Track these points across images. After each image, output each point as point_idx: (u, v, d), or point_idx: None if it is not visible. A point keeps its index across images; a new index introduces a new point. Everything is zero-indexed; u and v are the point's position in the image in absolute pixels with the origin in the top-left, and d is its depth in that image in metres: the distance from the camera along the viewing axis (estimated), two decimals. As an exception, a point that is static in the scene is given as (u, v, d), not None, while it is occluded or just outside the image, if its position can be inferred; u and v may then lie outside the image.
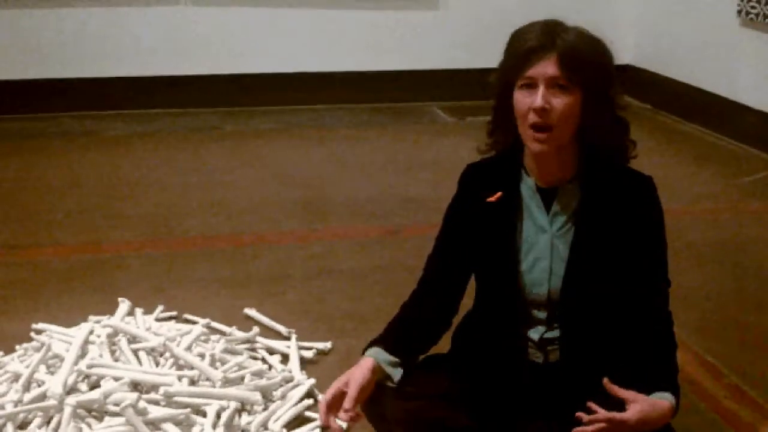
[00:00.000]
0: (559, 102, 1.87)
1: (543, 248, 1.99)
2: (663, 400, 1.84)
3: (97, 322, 2.79)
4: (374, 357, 1.98)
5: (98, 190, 4.39)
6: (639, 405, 1.81)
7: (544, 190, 1.99)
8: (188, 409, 2.32)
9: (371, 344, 2.03)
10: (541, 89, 1.86)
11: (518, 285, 2.00)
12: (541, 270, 1.99)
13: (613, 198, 1.96)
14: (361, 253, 3.64)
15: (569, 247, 1.97)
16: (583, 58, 1.87)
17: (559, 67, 1.86)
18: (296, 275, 3.42)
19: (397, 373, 1.98)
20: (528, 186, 2.00)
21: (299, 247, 3.70)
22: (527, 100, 1.88)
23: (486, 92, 2.01)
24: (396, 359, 1.99)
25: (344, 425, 1.98)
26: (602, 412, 1.79)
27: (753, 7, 5.10)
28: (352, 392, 1.91)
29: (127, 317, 2.87)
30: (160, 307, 3.02)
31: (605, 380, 1.82)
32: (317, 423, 2.40)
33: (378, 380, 1.97)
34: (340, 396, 1.93)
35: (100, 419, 2.30)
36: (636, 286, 1.97)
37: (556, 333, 2.01)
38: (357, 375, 1.94)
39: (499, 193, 2.01)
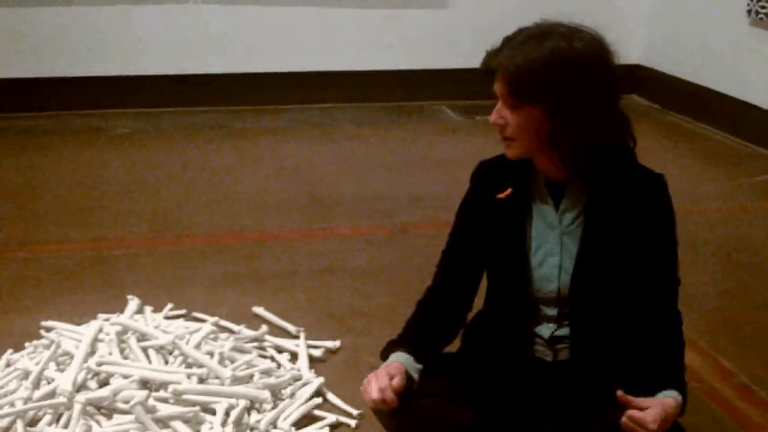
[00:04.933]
0: (512, 117, 1.89)
1: (553, 245, 1.99)
2: (668, 398, 1.84)
3: (107, 319, 2.79)
4: (404, 364, 1.98)
5: (106, 188, 4.40)
6: (654, 409, 1.80)
7: (554, 186, 1.99)
8: (197, 407, 2.32)
9: (394, 346, 2.04)
10: (498, 104, 1.91)
11: (528, 282, 2.00)
12: (550, 267, 1.99)
13: (624, 194, 1.96)
14: (369, 251, 3.64)
15: (579, 244, 1.97)
16: (528, 76, 1.83)
17: (505, 85, 1.87)
18: (304, 273, 3.42)
19: (417, 380, 2.00)
20: (537, 182, 2.00)
21: (307, 245, 3.70)
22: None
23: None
24: (420, 366, 2.01)
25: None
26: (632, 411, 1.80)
27: (762, 7, 5.09)
28: (399, 379, 1.93)
29: (136, 315, 2.87)
30: (169, 305, 3.02)
31: (619, 393, 1.80)
32: (326, 421, 2.41)
33: None
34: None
35: (109, 417, 2.31)
36: (646, 283, 1.97)
37: (565, 331, 2.01)
38: (399, 371, 1.96)
39: (509, 190, 2.01)
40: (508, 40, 1.89)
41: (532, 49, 1.84)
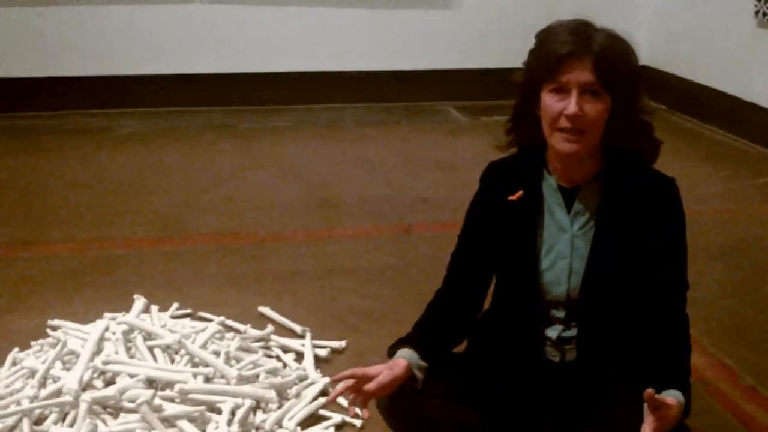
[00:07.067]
0: (591, 108, 1.85)
1: (563, 248, 1.98)
2: (670, 398, 1.83)
3: (113, 318, 2.80)
4: (409, 360, 1.97)
5: (112, 187, 4.41)
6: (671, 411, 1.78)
7: (566, 189, 1.98)
8: (203, 407, 2.32)
9: (402, 344, 2.03)
10: (574, 95, 1.85)
11: (538, 284, 2.00)
12: (561, 269, 1.98)
13: (635, 198, 1.95)
14: (375, 252, 3.64)
15: (589, 247, 1.97)
16: (616, 64, 1.85)
17: (594, 73, 1.84)
18: (309, 273, 3.42)
19: (422, 379, 1.99)
20: (549, 185, 2.00)
21: (313, 245, 3.71)
22: (558, 105, 1.86)
23: (509, 91, 2.00)
24: (426, 364, 2.00)
25: (364, 414, 1.98)
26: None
27: (769, 8, 5.08)
28: (383, 379, 1.91)
29: (142, 314, 2.88)
30: (176, 305, 3.03)
31: (648, 392, 1.74)
32: (332, 421, 2.41)
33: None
34: (361, 380, 1.92)
35: (115, 416, 2.31)
36: (654, 288, 1.96)
37: (573, 332, 2.01)
38: (395, 371, 1.94)
39: (520, 192, 2.00)
40: (579, 30, 1.87)
41: (615, 38, 1.89)
